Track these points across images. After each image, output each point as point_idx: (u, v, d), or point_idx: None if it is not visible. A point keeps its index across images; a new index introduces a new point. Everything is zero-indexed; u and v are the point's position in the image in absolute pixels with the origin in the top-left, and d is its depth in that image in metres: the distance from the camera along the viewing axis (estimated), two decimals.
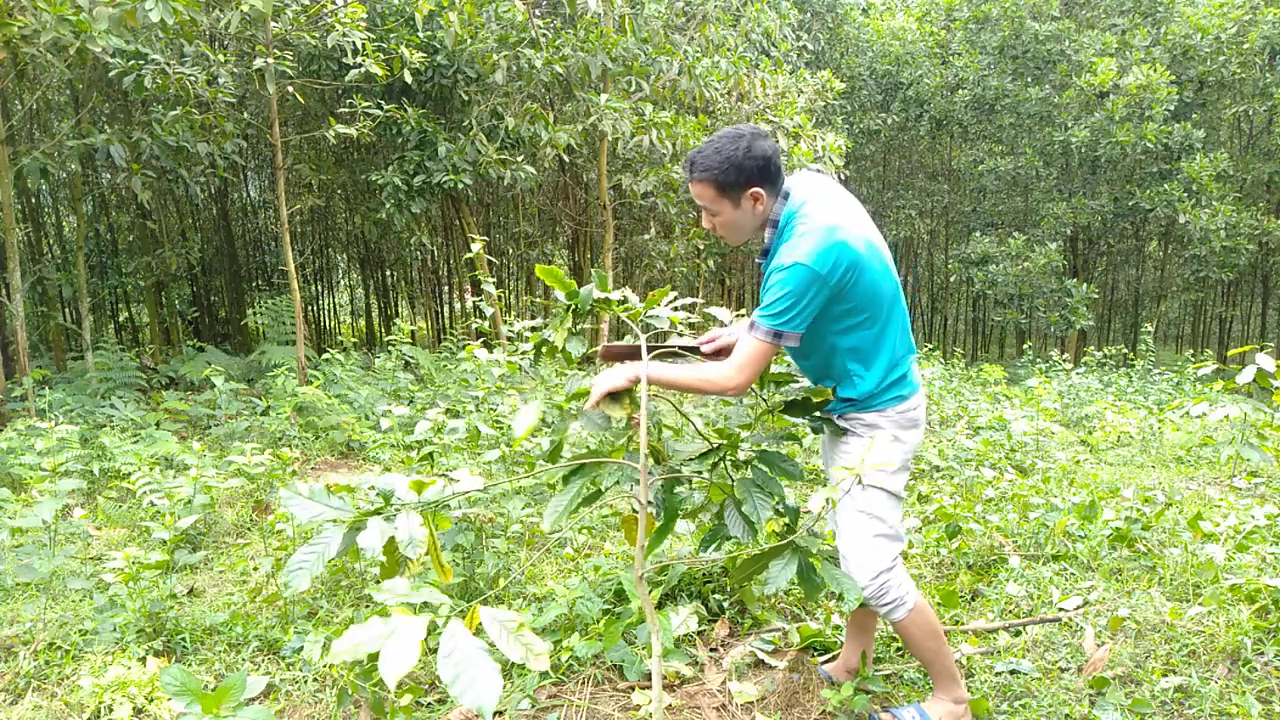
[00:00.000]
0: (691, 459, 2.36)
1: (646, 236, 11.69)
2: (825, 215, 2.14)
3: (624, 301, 2.43)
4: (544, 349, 2.44)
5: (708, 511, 2.56)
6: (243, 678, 2.09)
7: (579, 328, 2.39)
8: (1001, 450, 5.66)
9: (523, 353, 2.61)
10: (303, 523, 3.60)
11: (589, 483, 2.24)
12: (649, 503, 2.21)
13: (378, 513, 1.87)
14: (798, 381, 2.48)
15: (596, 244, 12.51)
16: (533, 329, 2.54)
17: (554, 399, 2.52)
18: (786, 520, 2.46)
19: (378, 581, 2.96)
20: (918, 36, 17.34)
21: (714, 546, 2.50)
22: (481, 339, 7.73)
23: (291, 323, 9.79)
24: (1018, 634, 3.06)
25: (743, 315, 2.41)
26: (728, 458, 2.37)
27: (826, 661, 2.84)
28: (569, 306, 2.37)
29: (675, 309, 2.48)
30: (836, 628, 3.04)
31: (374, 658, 1.67)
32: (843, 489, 2.17)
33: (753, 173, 2.16)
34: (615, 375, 2.18)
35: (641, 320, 2.41)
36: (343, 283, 18.84)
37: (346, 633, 1.50)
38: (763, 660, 2.92)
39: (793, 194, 2.23)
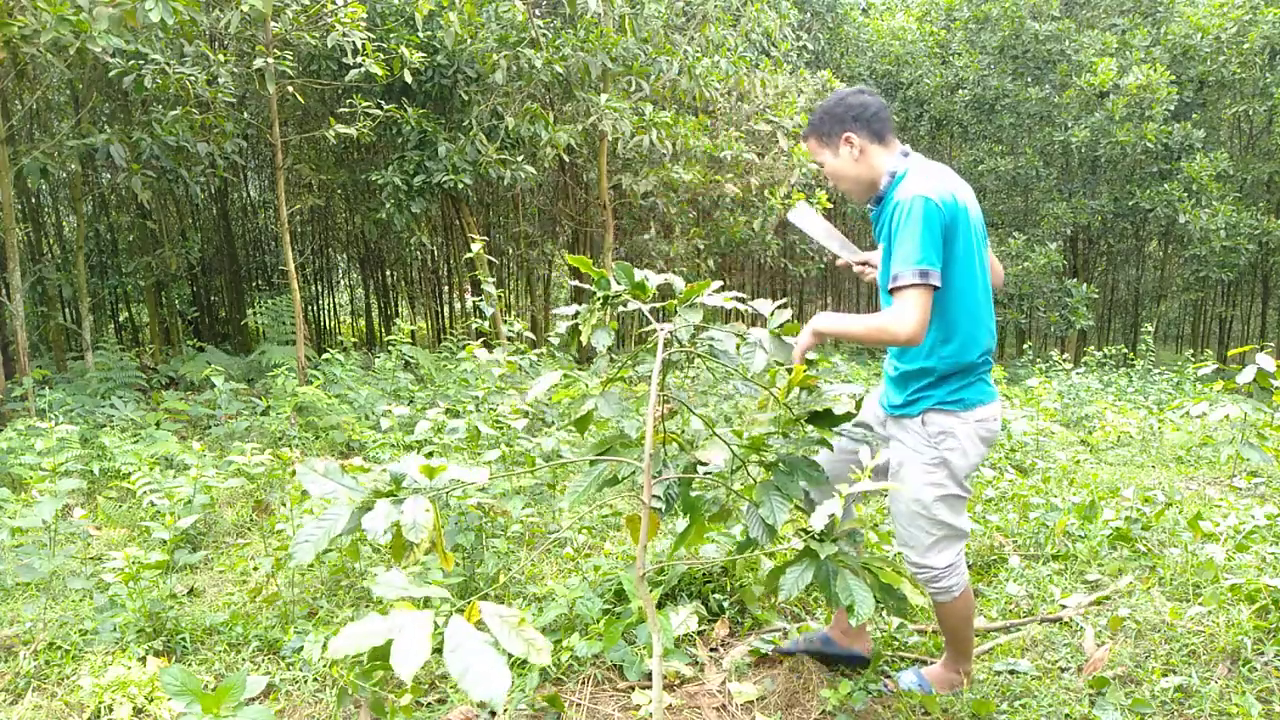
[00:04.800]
0: (707, 464, 2.34)
1: (646, 236, 11.68)
2: (943, 175, 2.26)
3: (642, 284, 2.39)
4: (573, 336, 2.41)
5: (738, 522, 2.54)
6: (243, 678, 2.09)
7: (609, 317, 2.37)
8: (1001, 450, 5.66)
9: (556, 334, 2.58)
10: (313, 499, 3.61)
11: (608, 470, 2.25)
12: (656, 497, 2.21)
13: (389, 494, 1.88)
14: (828, 384, 2.45)
15: (596, 244, 12.50)
16: (562, 315, 2.50)
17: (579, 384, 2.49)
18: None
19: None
20: (918, 36, 17.32)
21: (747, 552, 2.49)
22: (481, 339, 7.73)
23: (291, 323, 9.78)
24: (1017, 633, 3.06)
25: (784, 306, 2.38)
26: (753, 459, 2.35)
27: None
28: (603, 297, 2.33)
29: (734, 298, 2.42)
30: None
31: (375, 655, 1.66)
32: (893, 497, 2.22)
33: (843, 117, 2.30)
34: (802, 338, 2.24)
35: (677, 311, 2.36)
36: (343, 283, 18.82)
37: (345, 629, 1.50)
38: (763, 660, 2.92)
39: (912, 156, 2.33)
